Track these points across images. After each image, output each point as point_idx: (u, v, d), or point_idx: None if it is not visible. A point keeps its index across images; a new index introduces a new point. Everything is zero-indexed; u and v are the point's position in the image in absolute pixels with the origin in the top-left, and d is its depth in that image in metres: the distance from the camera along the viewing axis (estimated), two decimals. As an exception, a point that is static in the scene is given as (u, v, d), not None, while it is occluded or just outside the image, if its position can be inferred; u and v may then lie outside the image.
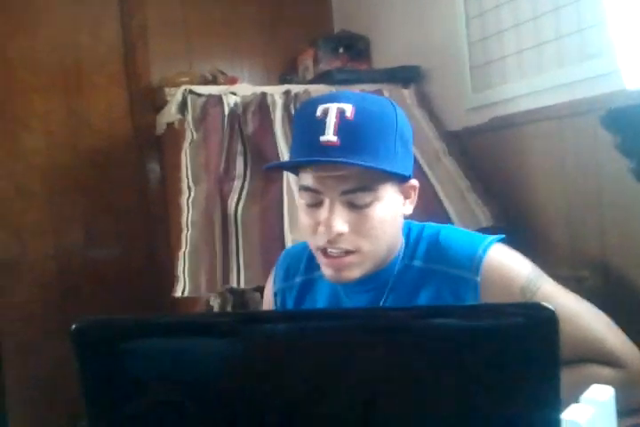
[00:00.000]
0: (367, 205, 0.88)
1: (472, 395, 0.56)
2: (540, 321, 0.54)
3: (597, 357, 0.90)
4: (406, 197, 0.96)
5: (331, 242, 0.88)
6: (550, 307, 0.53)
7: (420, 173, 1.84)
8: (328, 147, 0.86)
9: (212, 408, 0.61)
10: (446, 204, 1.79)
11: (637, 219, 1.33)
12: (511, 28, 1.65)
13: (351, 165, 0.84)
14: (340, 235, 0.88)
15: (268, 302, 1.15)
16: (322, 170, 0.88)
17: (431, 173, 1.86)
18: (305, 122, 0.91)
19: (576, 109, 1.44)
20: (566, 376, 0.53)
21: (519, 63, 1.64)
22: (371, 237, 0.90)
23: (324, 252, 0.91)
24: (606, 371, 0.89)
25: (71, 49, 2.38)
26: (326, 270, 0.92)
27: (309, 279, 1.07)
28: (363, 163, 0.84)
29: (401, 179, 0.91)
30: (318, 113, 0.88)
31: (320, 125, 0.87)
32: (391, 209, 0.91)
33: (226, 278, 1.67)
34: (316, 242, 0.91)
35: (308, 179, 0.90)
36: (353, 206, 0.88)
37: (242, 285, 1.67)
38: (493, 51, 1.73)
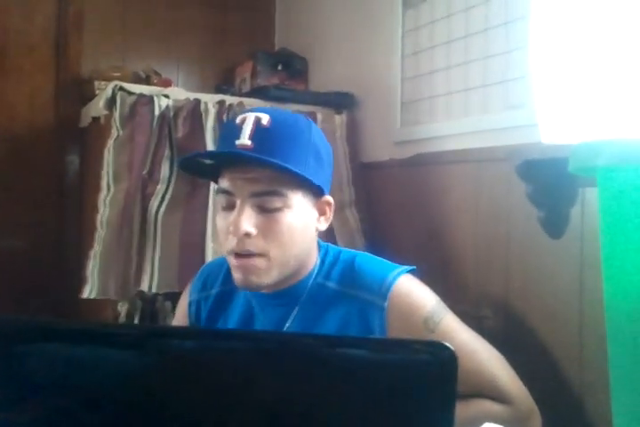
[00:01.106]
0: (276, 210, 0.92)
1: (368, 425, 0.58)
2: (441, 360, 0.57)
3: (489, 392, 0.95)
4: (321, 213, 1.00)
5: (239, 244, 0.91)
6: (451, 347, 0.56)
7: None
8: (242, 150, 0.91)
9: (110, 420, 0.60)
10: None
11: (540, 266, 1.40)
12: (442, 70, 1.72)
13: (262, 169, 0.89)
14: (248, 235, 0.91)
15: (181, 313, 1.14)
16: (235, 172, 0.92)
17: (335, 227, 1.91)
18: (225, 129, 1.00)
19: (495, 155, 1.51)
20: (459, 410, 0.56)
21: (447, 104, 1.71)
22: (278, 242, 0.93)
23: (235, 255, 0.93)
24: (496, 407, 0.95)
25: (0, 29, 2.27)
26: (236, 274, 0.95)
27: (225, 291, 1.08)
28: (269, 159, 0.88)
29: (313, 191, 0.96)
30: (237, 120, 0.94)
31: (237, 131, 0.92)
32: (302, 219, 0.95)
33: (137, 281, 1.63)
34: (227, 246, 0.94)
35: (223, 181, 0.94)
36: (263, 210, 0.92)
37: (153, 289, 1.63)
38: (424, 89, 1.79)
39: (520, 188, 1.39)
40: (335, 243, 1.89)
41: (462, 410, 0.81)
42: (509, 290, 1.48)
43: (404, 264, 1.03)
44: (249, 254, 0.92)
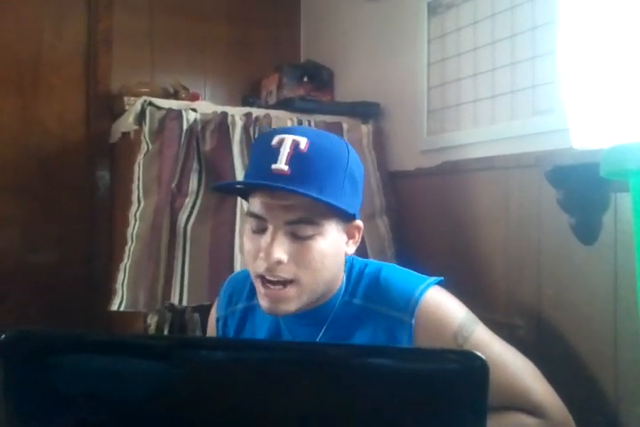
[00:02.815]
0: (309, 238, 0.90)
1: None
2: (472, 369, 0.56)
3: (522, 406, 0.93)
4: (350, 236, 0.98)
5: (269, 270, 0.90)
6: (482, 356, 0.55)
7: None
8: (278, 175, 0.88)
9: (137, 430, 0.60)
10: None
11: (573, 273, 1.38)
12: (469, 78, 1.72)
13: (298, 196, 0.87)
14: (279, 263, 0.89)
15: (211, 328, 1.15)
16: (269, 197, 0.90)
17: (365, 234, 1.90)
18: (260, 150, 0.94)
19: (523, 162, 1.50)
20: (490, 422, 0.55)
21: (474, 112, 1.70)
22: (309, 269, 0.91)
23: (263, 281, 0.91)
24: (530, 420, 0.92)
25: (31, 45, 2.33)
26: (263, 301, 0.93)
27: (251, 306, 1.07)
28: (307, 192, 0.86)
29: (346, 217, 0.94)
30: (274, 142, 0.90)
31: (274, 154, 0.89)
32: (333, 246, 0.93)
33: (167, 294, 1.64)
34: (255, 269, 0.92)
35: (255, 205, 0.92)
36: (295, 237, 0.90)
37: (184, 302, 1.64)
38: (451, 97, 1.79)
39: (550, 194, 1.38)
40: (365, 250, 1.88)
41: (496, 423, 0.79)
42: (541, 298, 1.45)
43: (432, 274, 1.02)
44: (278, 282, 0.90)
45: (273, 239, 0.89)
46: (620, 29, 1.35)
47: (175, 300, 1.64)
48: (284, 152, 0.89)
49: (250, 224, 0.94)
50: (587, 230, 1.34)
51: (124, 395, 0.60)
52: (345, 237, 0.97)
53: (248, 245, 0.94)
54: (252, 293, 1.03)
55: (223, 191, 1.04)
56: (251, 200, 0.94)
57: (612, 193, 1.28)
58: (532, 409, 0.93)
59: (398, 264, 1.82)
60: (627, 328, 1.23)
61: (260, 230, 0.92)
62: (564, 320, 1.40)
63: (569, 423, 0.96)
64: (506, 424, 0.89)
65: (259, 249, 0.91)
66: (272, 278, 0.90)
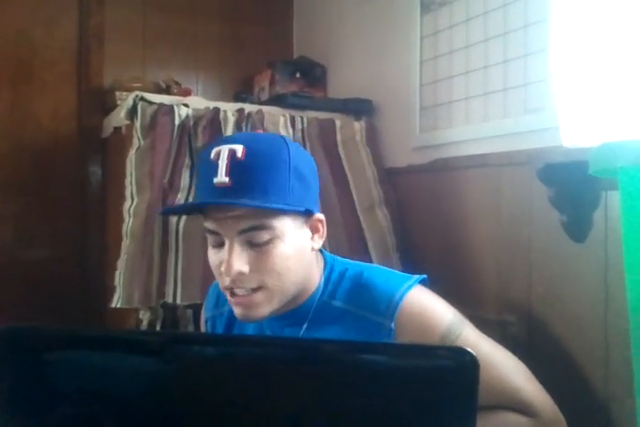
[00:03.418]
0: (266, 243, 0.90)
1: (389, 432, 0.58)
2: (462, 364, 0.56)
3: (512, 404, 0.93)
4: (314, 231, 0.98)
5: (234, 282, 0.90)
6: (472, 352, 0.56)
7: (356, 222, 1.89)
8: (221, 188, 0.88)
9: (129, 425, 0.60)
10: (375, 261, 1.83)
11: (564, 271, 1.38)
12: (462, 75, 1.72)
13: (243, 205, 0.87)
14: (241, 274, 0.89)
15: (203, 328, 1.15)
16: (217, 212, 0.90)
17: (365, 225, 1.90)
18: (202, 165, 0.95)
19: (515, 160, 1.50)
20: (481, 421, 0.55)
21: (466, 109, 1.70)
22: (273, 273, 0.91)
23: (232, 292, 0.92)
24: (520, 419, 0.93)
25: (24, 42, 2.32)
26: (236, 309, 0.93)
27: None
28: (249, 202, 0.86)
29: (302, 214, 0.93)
30: (212, 156, 0.91)
31: (213, 167, 0.89)
32: (294, 245, 0.92)
33: (161, 293, 1.64)
34: (222, 283, 0.93)
35: (208, 221, 0.92)
36: (252, 245, 0.90)
37: (178, 301, 1.64)
38: (443, 94, 1.79)
39: (541, 192, 1.38)
40: (365, 243, 1.88)
41: (483, 421, 0.80)
42: (532, 295, 1.46)
43: (424, 272, 1.02)
44: (246, 291, 0.91)
45: (230, 252, 0.89)
46: (611, 28, 1.36)
47: (169, 298, 1.64)
48: (222, 164, 0.89)
49: (209, 240, 0.94)
50: (577, 228, 1.34)
51: (117, 390, 0.60)
52: (308, 233, 0.96)
53: (212, 259, 0.94)
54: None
55: (177, 213, 1.04)
56: (205, 217, 0.94)
57: (602, 191, 1.29)
58: (524, 408, 0.94)
59: (400, 257, 1.84)
60: (617, 326, 1.23)
61: (219, 244, 0.92)
62: (554, 317, 1.41)
63: (560, 422, 0.96)
64: (497, 424, 0.90)
65: (220, 263, 0.91)
66: (239, 290, 0.91)
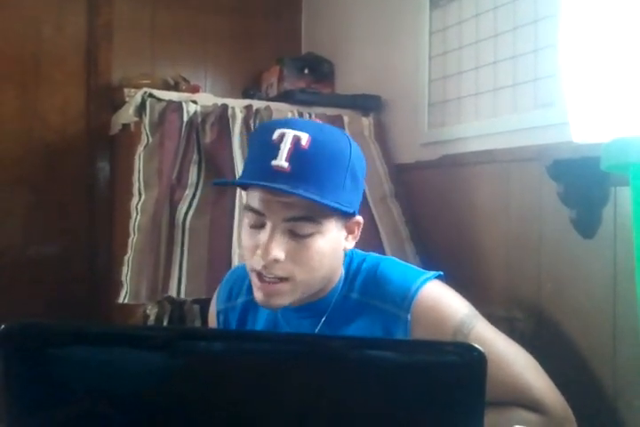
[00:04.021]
0: (308, 236, 0.89)
1: (397, 428, 0.58)
2: (470, 361, 0.56)
3: (523, 401, 0.93)
4: (349, 232, 0.97)
5: (266, 267, 0.89)
6: (480, 349, 0.55)
7: (368, 214, 1.88)
8: (278, 172, 0.86)
9: (139, 422, 0.60)
10: (388, 252, 1.83)
11: (573, 267, 1.38)
12: (471, 71, 1.71)
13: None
14: (276, 261, 0.88)
15: (212, 322, 1.15)
16: (269, 193, 0.88)
17: (377, 217, 1.90)
18: (260, 143, 0.92)
19: (524, 156, 1.49)
20: (491, 418, 0.55)
21: (475, 105, 1.70)
22: (306, 267, 0.90)
23: (259, 275, 0.91)
24: (530, 416, 0.92)
25: (32, 39, 2.33)
26: (257, 294, 0.93)
27: (251, 300, 1.07)
28: (307, 194, 0.85)
29: (347, 215, 0.92)
30: (274, 137, 0.88)
31: (274, 150, 0.87)
32: (332, 243, 0.92)
33: (165, 287, 1.65)
34: (252, 264, 0.91)
35: (254, 200, 0.90)
36: (294, 235, 0.89)
37: (182, 295, 1.64)
38: (452, 90, 1.78)
39: (551, 188, 1.38)
40: (378, 233, 1.88)
41: (493, 417, 0.79)
42: (541, 292, 1.45)
43: (434, 268, 1.01)
44: (273, 278, 0.90)
45: (271, 237, 0.88)
46: (621, 23, 1.34)
47: (173, 292, 1.64)
48: (285, 148, 0.87)
49: (248, 218, 0.92)
50: (587, 224, 1.34)
51: (123, 387, 0.60)
52: (344, 233, 0.96)
53: (246, 239, 0.93)
54: (251, 287, 1.02)
55: (222, 184, 1.02)
56: (250, 193, 0.93)
57: (611, 187, 1.28)
58: (534, 405, 0.93)
59: (415, 247, 1.83)
60: (626, 322, 1.23)
61: (259, 225, 0.90)
62: (563, 314, 1.40)
63: (570, 419, 0.96)
64: (507, 420, 0.89)
65: (256, 245, 0.90)
66: (268, 275, 0.90)
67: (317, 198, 0.85)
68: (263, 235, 0.89)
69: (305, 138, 0.87)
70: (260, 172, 0.88)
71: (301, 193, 0.85)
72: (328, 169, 0.88)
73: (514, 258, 1.55)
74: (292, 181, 0.86)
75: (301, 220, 0.88)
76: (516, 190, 1.54)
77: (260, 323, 1.05)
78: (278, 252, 0.88)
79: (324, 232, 0.90)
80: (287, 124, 0.90)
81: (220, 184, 0.94)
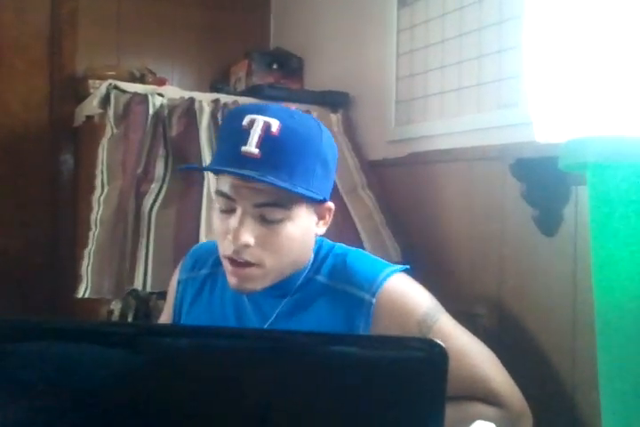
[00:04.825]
0: (278, 222, 0.90)
1: (358, 423, 0.58)
2: (431, 356, 0.57)
3: (481, 394, 0.95)
4: (320, 217, 0.98)
5: (236, 252, 0.90)
6: (442, 344, 0.56)
7: (341, 204, 1.88)
8: (248, 158, 0.87)
9: (101, 419, 0.60)
10: (364, 238, 1.84)
11: (534, 264, 1.41)
12: (437, 69, 1.73)
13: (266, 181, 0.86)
14: (246, 246, 0.89)
15: (171, 291, 1.14)
16: (239, 179, 0.89)
17: (350, 206, 1.90)
18: (230, 129, 0.92)
19: (488, 154, 1.52)
20: (449, 412, 0.56)
21: (441, 103, 1.71)
22: (275, 253, 0.91)
23: (231, 260, 0.92)
24: (488, 409, 0.94)
25: (-7, 26, 2.27)
26: (230, 279, 0.94)
27: (214, 273, 1.08)
28: (276, 182, 0.85)
29: (317, 201, 0.94)
30: (244, 122, 0.89)
31: (244, 135, 0.88)
32: (302, 229, 0.93)
33: (130, 280, 1.63)
34: (223, 250, 0.93)
35: (224, 185, 0.91)
36: (264, 220, 0.90)
37: (148, 288, 1.63)
38: (418, 88, 1.80)
39: (514, 186, 1.40)
40: (353, 224, 1.87)
41: (454, 411, 0.81)
42: (503, 288, 1.48)
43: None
44: (244, 263, 0.91)
45: (241, 222, 0.89)
46: (584, 25, 1.37)
47: (139, 285, 1.62)
48: (255, 134, 0.87)
49: (219, 203, 0.93)
50: (548, 222, 1.36)
51: (86, 383, 0.60)
52: (315, 219, 0.97)
53: (217, 224, 0.94)
54: (217, 261, 1.03)
55: (190, 169, 1.01)
56: (220, 179, 0.93)
57: (572, 186, 1.31)
58: (491, 399, 0.95)
59: (392, 232, 1.84)
60: (585, 318, 1.26)
61: (229, 210, 0.91)
62: (524, 310, 1.43)
63: (526, 413, 0.98)
64: (465, 413, 0.91)
65: (227, 230, 0.91)
66: (238, 260, 0.91)
67: (287, 186, 0.86)
68: (233, 220, 0.90)
69: (275, 124, 0.88)
70: (230, 157, 0.89)
71: (270, 180, 0.85)
72: (298, 155, 0.89)
73: (477, 255, 1.57)
74: (262, 168, 0.86)
75: (271, 205, 0.89)
76: (480, 189, 1.57)
77: (223, 297, 1.05)
78: (248, 237, 0.89)
79: (295, 218, 0.91)
80: (258, 110, 0.91)
81: (188, 169, 0.93)
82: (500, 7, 1.51)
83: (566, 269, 1.31)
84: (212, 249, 1.09)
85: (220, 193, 0.92)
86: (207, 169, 0.96)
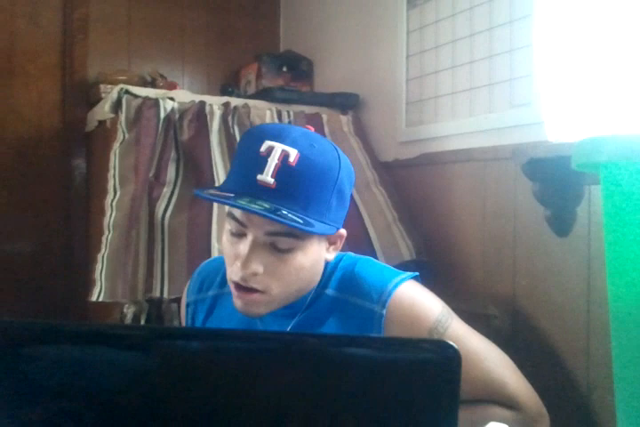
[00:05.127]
0: (288, 251, 0.88)
1: (372, 425, 0.58)
2: (444, 358, 0.57)
3: (497, 398, 0.94)
4: (331, 243, 0.97)
5: (243, 279, 0.89)
6: (455, 346, 0.56)
7: (350, 201, 1.87)
8: (263, 187, 0.85)
9: (115, 421, 0.60)
10: (372, 236, 1.82)
11: (548, 264, 1.40)
12: (447, 70, 1.72)
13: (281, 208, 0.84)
14: (254, 274, 0.88)
15: (183, 313, 1.14)
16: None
17: (360, 203, 1.89)
18: (246, 154, 0.90)
19: (500, 154, 1.51)
20: (465, 415, 0.56)
21: (452, 104, 1.71)
22: (282, 282, 0.90)
23: (237, 285, 0.91)
24: (504, 412, 0.93)
25: (5, 33, 2.29)
26: (236, 302, 0.93)
27: (222, 293, 1.07)
28: (288, 222, 0.83)
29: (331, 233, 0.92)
30: (262, 149, 0.86)
31: (261, 163, 0.86)
32: (312, 258, 0.92)
33: (149, 287, 1.63)
34: (230, 274, 0.91)
35: (236, 210, 0.89)
36: (274, 249, 0.88)
37: (165, 295, 1.63)
38: (429, 89, 1.79)
39: (526, 186, 1.39)
40: (362, 222, 1.85)
41: (467, 415, 0.80)
42: (516, 289, 1.47)
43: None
44: (250, 288, 0.90)
45: (251, 250, 0.87)
46: (595, 24, 1.36)
47: (156, 293, 1.63)
48: (272, 163, 0.85)
49: (230, 225, 0.91)
50: (561, 222, 1.35)
51: (99, 386, 0.60)
52: (326, 245, 0.95)
53: (227, 247, 0.92)
54: (224, 280, 1.02)
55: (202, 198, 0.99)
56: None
57: (585, 186, 1.30)
58: (508, 402, 0.94)
59: (405, 229, 1.81)
60: (599, 318, 1.25)
61: (239, 234, 0.90)
62: (538, 310, 1.42)
63: (543, 415, 0.97)
64: (481, 417, 0.90)
65: (237, 255, 0.89)
66: (244, 285, 0.90)
67: (299, 226, 0.83)
68: (243, 246, 0.88)
69: (294, 154, 0.86)
70: (245, 185, 0.87)
71: (283, 220, 0.82)
72: (314, 188, 0.87)
73: (489, 256, 1.56)
74: (277, 198, 0.85)
75: (283, 235, 0.87)
76: (492, 189, 1.56)
77: (232, 318, 1.05)
78: (257, 265, 0.87)
79: (306, 248, 0.90)
80: (278, 136, 0.88)
81: (201, 197, 0.90)
82: (511, 6, 1.51)
83: (580, 269, 1.30)
84: (217, 268, 1.09)
85: (231, 216, 0.90)
86: (217, 201, 0.94)
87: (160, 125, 1.79)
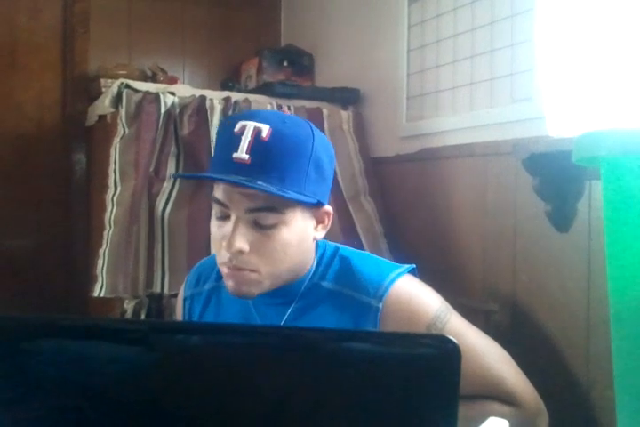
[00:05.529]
0: (272, 227, 0.90)
1: (370, 420, 0.58)
2: (444, 353, 0.57)
3: (496, 394, 0.94)
4: (319, 221, 0.97)
5: (231, 259, 0.90)
6: (454, 340, 0.56)
7: (345, 210, 1.88)
8: (239, 164, 0.88)
9: (113, 416, 0.60)
10: (366, 248, 1.84)
11: (548, 260, 1.39)
12: (449, 65, 1.72)
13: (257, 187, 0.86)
14: (240, 252, 0.89)
15: (179, 308, 1.15)
16: (230, 185, 0.89)
17: (353, 212, 1.90)
18: (223, 136, 0.93)
19: (501, 149, 1.51)
20: (463, 411, 0.56)
21: (453, 98, 1.70)
22: (270, 259, 0.91)
23: (227, 266, 0.92)
24: (503, 408, 0.93)
25: (6, 28, 2.28)
26: (228, 283, 0.94)
27: (218, 286, 1.08)
28: (264, 187, 0.85)
29: (312, 205, 0.93)
30: (236, 129, 0.90)
31: (235, 142, 0.89)
32: (298, 233, 0.92)
33: (149, 283, 1.64)
34: (219, 257, 0.93)
35: (218, 191, 0.92)
36: (257, 226, 0.90)
37: (166, 290, 1.64)
38: (430, 84, 1.79)
39: (527, 181, 1.39)
40: (354, 228, 1.88)
41: (466, 411, 0.80)
42: (516, 284, 1.47)
43: (410, 260, 1.02)
44: (240, 268, 0.91)
45: (235, 228, 0.89)
46: (597, 19, 1.36)
47: (157, 288, 1.64)
48: (245, 140, 0.88)
49: (215, 210, 0.94)
50: (562, 217, 1.35)
51: (99, 380, 0.60)
52: (313, 223, 0.96)
53: (214, 231, 0.95)
54: (220, 275, 1.02)
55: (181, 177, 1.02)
56: (215, 186, 0.94)
57: (586, 181, 1.30)
58: (506, 398, 0.94)
59: (388, 243, 1.84)
60: (599, 314, 1.25)
61: (224, 217, 0.92)
62: (538, 306, 1.42)
63: (542, 412, 0.97)
64: (479, 412, 0.90)
65: (223, 237, 0.91)
66: (234, 266, 0.91)
67: (274, 190, 0.86)
68: (228, 226, 0.90)
69: (265, 129, 0.88)
70: (223, 164, 0.90)
71: (258, 186, 0.85)
72: (289, 160, 0.89)
73: (489, 251, 1.56)
74: (253, 173, 0.87)
75: (264, 210, 0.89)
76: (493, 184, 1.56)
77: (229, 310, 1.05)
78: (242, 243, 0.89)
79: (289, 222, 0.90)
80: (250, 116, 0.91)
81: (180, 177, 0.93)
82: (512, 1, 1.50)
83: (580, 265, 1.30)
84: (214, 263, 1.09)
85: (215, 200, 0.93)
86: (195, 177, 0.96)
87: (160, 120, 1.79)
